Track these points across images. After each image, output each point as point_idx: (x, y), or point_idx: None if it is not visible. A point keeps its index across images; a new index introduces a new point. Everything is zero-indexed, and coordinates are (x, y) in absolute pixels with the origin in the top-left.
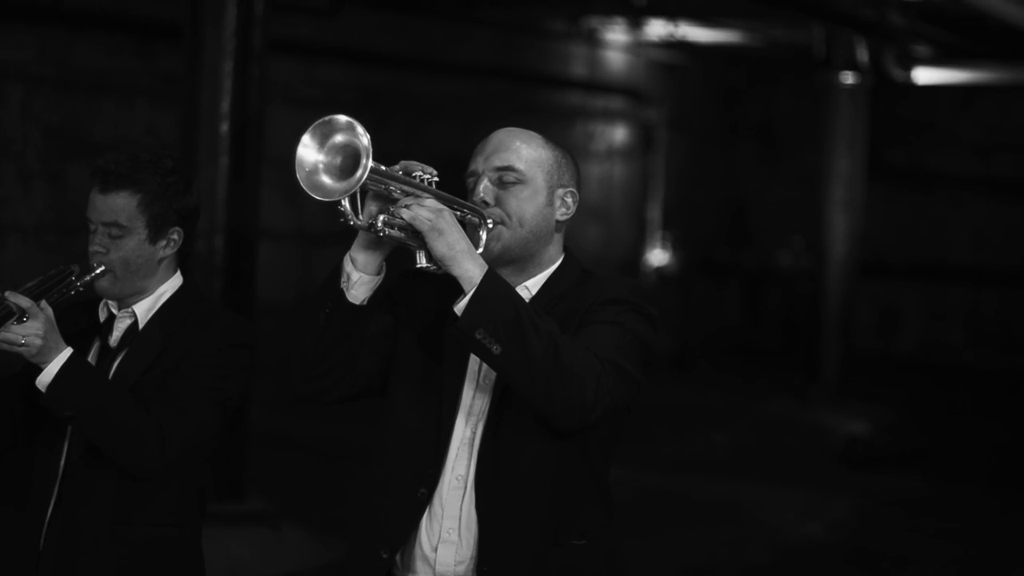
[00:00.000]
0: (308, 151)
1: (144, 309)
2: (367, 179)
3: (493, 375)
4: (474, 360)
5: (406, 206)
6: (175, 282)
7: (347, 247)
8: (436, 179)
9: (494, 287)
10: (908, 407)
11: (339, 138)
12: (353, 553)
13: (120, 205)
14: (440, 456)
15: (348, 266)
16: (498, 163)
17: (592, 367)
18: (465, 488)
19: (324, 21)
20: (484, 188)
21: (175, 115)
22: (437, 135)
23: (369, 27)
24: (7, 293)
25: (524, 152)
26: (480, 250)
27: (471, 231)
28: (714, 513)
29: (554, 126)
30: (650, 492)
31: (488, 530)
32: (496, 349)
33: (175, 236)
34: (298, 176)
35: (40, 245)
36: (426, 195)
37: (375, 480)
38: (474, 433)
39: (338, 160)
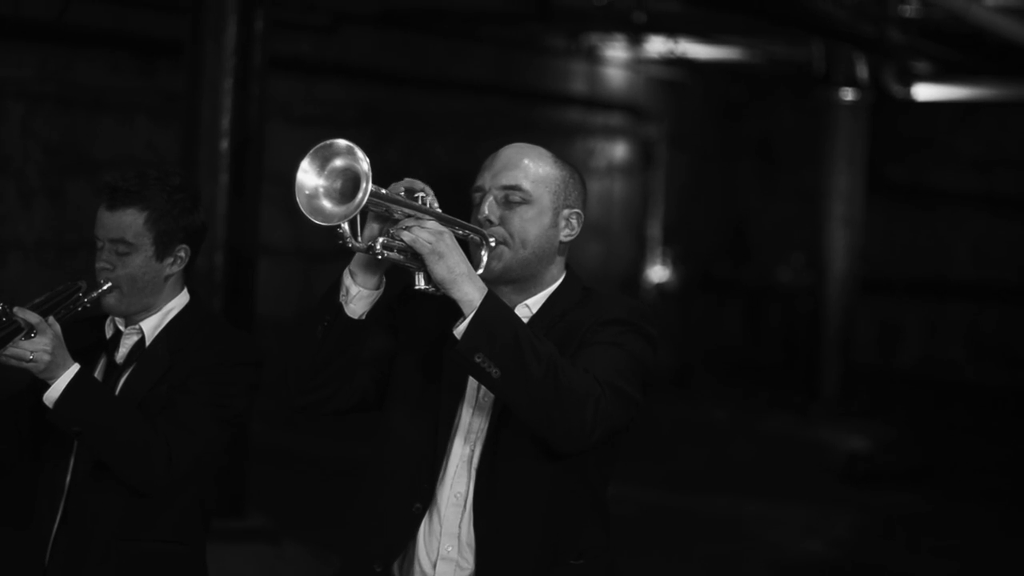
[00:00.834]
0: (308, 176)
1: (151, 326)
2: (367, 202)
3: (491, 395)
4: (472, 379)
5: (407, 228)
6: (182, 299)
7: (347, 262)
8: (435, 202)
9: (494, 311)
10: (908, 423)
11: (339, 162)
12: (347, 567)
13: (127, 222)
14: (435, 472)
15: (347, 280)
16: (505, 182)
17: (591, 390)
18: (464, 506)
19: (324, 38)
20: (489, 206)
21: (175, 132)
22: (437, 152)
23: (369, 44)
24: (15, 309)
25: (532, 171)
26: (480, 270)
27: (473, 249)
28: (714, 530)
29: (554, 143)
30: (650, 509)
31: (486, 549)
32: (495, 373)
33: (182, 253)
34: (298, 200)
35: (41, 262)
36: (427, 216)
37: (370, 494)
38: (472, 451)
39: (338, 184)
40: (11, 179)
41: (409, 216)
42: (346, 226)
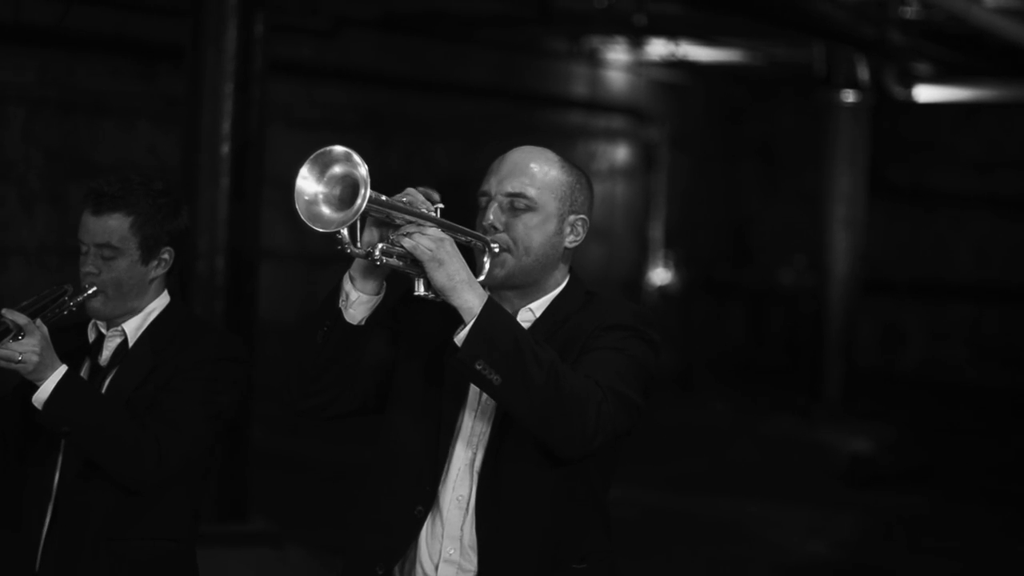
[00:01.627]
0: (307, 182)
1: (133, 327)
2: (367, 208)
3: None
4: (473, 385)
5: (407, 234)
6: (163, 300)
7: (349, 267)
8: (440, 206)
9: (494, 318)
10: (911, 425)
11: (338, 168)
12: (348, 569)
13: (112, 227)
14: (436, 475)
15: (347, 285)
16: (510, 188)
17: (593, 396)
18: (467, 510)
19: (325, 42)
20: (494, 212)
21: (176, 137)
22: (438, 156)
23: (370, 48)
24: (4, 311)
25: (539, 177)
26: (483, 277)
27: (476, 255)
28: (717, 532)
29: (556, 146)
30: (653, 511)
31: (489, 554)
32: (496, 380)
33: (166, 256)
34: (297, 207)
35: (42, 267)
36: (428, 223)
37: (371, 497)
38: (474, 455)
39: (337, 190)
40: (12, 184)
41: (410, 222)
42: (345, 232)
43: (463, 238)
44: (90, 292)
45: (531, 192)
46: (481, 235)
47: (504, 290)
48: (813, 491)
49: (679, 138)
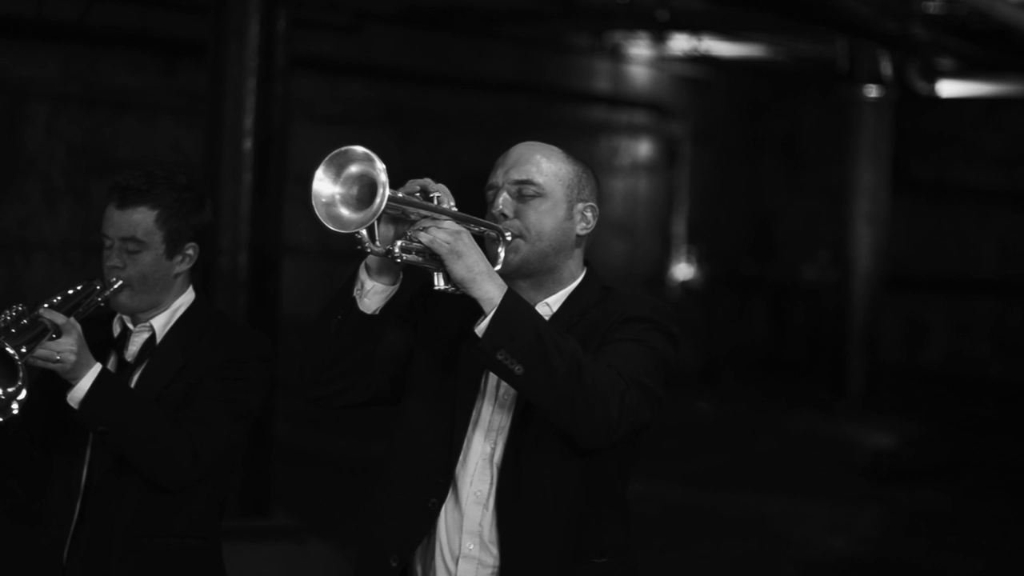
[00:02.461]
0: (324, 184)
1: (161, 323)
2: (385, 207)
3: (510, 389)
4: (489, 374)
5: (423, 229)
6: (189, 296)
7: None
8: (452, 202)
9: (514, 308)
10: (934, 420)
11: (354, 168)
12: (363, 561)
13: (137, 220)
14: (451, 467)
15: (363, 274)
16: (517, 176)
17: (615, 385)
18: (486, 505)
19: (347, 38)
20: (503, 201)
21: (199, 132)
22: (461, 151)
23: (392, 43)
24: (42, 310)
25: (544, 166)
26: (498, 266)
27: (489, 245)
28: (739, 527)
29: (578, 141)
30: (675, 507)
31: (510, 549)
32: (518, 370)
33: (190, 251)
34: (315, 209)
35: (65, 262)
36: (443, 216)
37: (386, 489)
38: (493, 449)
39: (355, 191)
40: (36, 180)
41: (425, 217)
42: (364, 231)
43: (476, 229)
44: (116, 286)
45: (539, 179)
46: (494, 224)
47: (519, 280)
48: (836, 487)
49: (702, 133)
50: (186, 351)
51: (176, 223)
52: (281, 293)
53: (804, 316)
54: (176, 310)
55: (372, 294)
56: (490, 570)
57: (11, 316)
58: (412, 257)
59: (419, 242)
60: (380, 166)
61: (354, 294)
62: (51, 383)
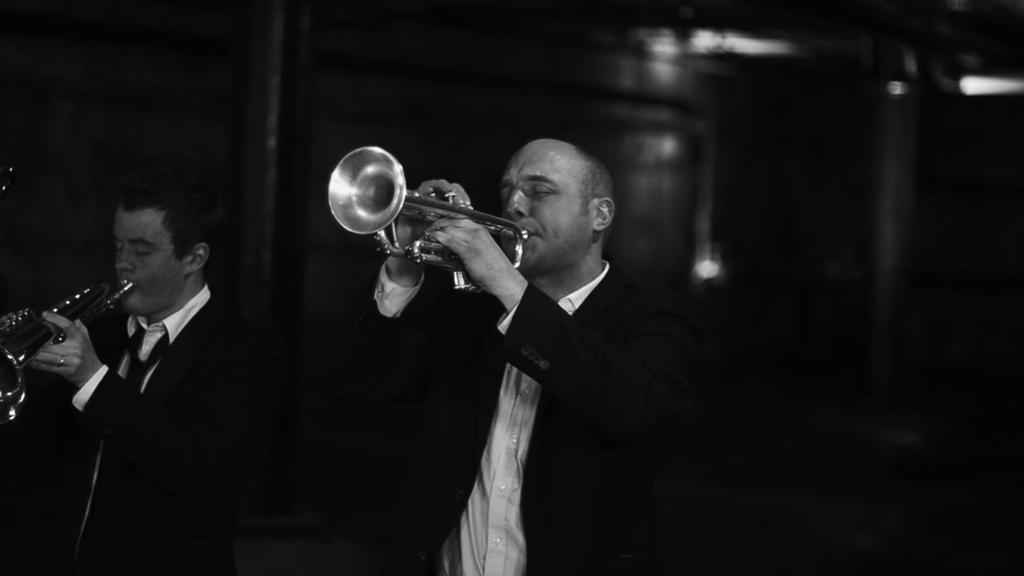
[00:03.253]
0: (340, 186)
1: (174, 323)
2: (402, 207)
3: (532, 383)
4: (510, 367)
5: (441, 229)
6: (203, 296)
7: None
8: (467, 200)
9: (537, 303)
10: (958, 418)
11: (370, 169)
12: (391, 554)
13: (145, 222)
14: (476, 459)
15: (383, 277)
16: (531, 173)
17: (641, 375)
18: (512, 500)
19: (371, 35)
20: (518, 199)
21: (223, 130)
22: (485, 148)
23: (416, 41)
24: (45, 313)
25: (558, 162)
26: (516, 264)
27: (506, 243)
28: (764, 525)
29: (602, 139)
30: (700, 504)
31: (536, 545)
32: (543, 364)
33: (201, 251)
34: (332, 212)
35: (90, 261)
36: (459, 215)
37: (412, 483)
38: (517, 443)
39: (371, 191)
40: (60, 178)
41: (442, 216)
42: (383, 233)
43: (493, 227)
44: (126, 289)
45: (553, 176)
46: (510, 222)
47: (539, 277)
48: (860, 484)
49: (726, 130)
50: (198, 351)
51: (185, 224)
52: (305, 290)
53: (828, 314)
54: (190, 310)
55: (392, 296)
56: (517, 565)
57: (16, 320)
58: (431, 257)
59: (437, 242)
60: (397, 167)
61: (375, 297)
62: (65, 386)
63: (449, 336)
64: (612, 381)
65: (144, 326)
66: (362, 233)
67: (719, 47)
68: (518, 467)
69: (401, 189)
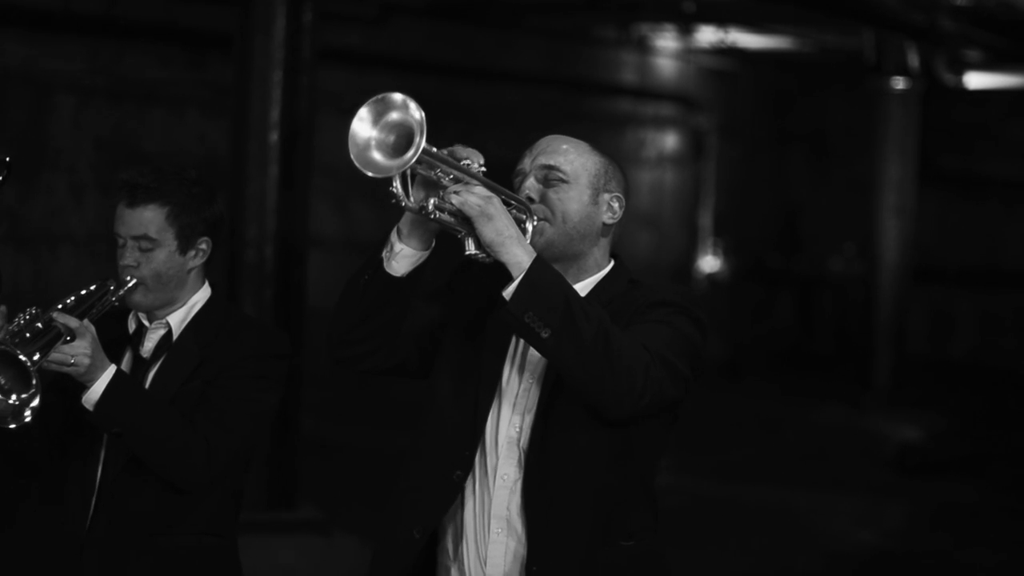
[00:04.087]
0: (363, 125)
1: (177, 320)
2: (418, 159)
3: (535, 361)
4: (514, 343)
5: (455, 192)
6: (205, 292)
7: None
8: (483, 168)
9: (543, 272)
10: (961, 413)
11: (394, 116)
12: (386, 532)
13: (149, 218)
14: (475, 440)
15: (393, 236)
16: (544, 162)
17: (640, 357)
18: (513, 488)
19: (373, 30)
20: (529, 185)
21: (225, 125)
22: (487, 143)
23: (418, 35)
24: (55, 314)
25: (571, 155)
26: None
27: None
28: (766, 520)
29: (604, 133)
30: (702, 500)
31: (537, 532)
32: (545, 333)
33: (203, 246)
34: (350, 151)
35: (92, 256)
36: (475, 181)
37: (412, 464)
38: (520, 432)
39: (391, 138)
40: (62, 173)
41: (458, 180)
42: (398, 185)
43: (504, 200)
44: (131, 285)
45: (565, 166)
46: (522, 200)
47: None
48: (862, 480)
49: (728, 125)
50: (203, 348)
51: (187, 218)
52: (307, 285)
53: (830, 309)
54: (192, 306)
55: (401, 257)
56: (516, 555)
57: (24, 320)
58: (444, 217)
59: (451, 203)
60: (418, 111)
61: (382, 255)
62: (67, 383)
63: (456, 316)
64: (611, 357)
65: (146, 323)
66: (377, 176)
67: (721, 42)
68: (520, 456)
69: (421, 136)
